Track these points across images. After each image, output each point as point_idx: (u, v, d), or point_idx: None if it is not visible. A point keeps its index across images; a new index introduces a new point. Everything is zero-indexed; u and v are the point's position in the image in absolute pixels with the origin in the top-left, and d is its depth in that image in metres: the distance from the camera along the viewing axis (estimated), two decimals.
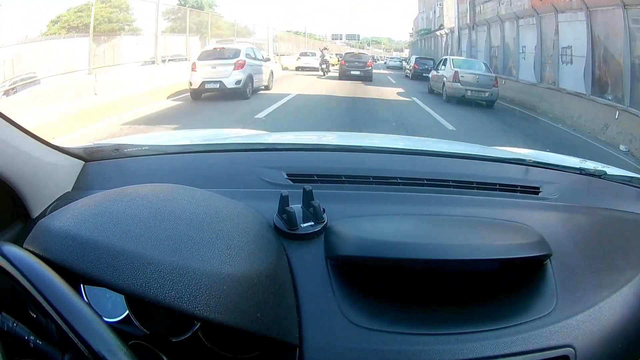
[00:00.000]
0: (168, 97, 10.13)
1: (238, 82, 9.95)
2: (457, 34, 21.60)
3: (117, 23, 12.78)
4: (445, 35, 25.05)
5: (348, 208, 0.88)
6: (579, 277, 0.78)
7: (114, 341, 0.52)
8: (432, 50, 28.85)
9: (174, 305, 0.56)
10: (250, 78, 10.41)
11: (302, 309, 0.69)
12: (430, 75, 14.06)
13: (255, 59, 11.25)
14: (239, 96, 9.93)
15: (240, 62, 10.19)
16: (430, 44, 30.91)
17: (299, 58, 23.11)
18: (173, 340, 0.70)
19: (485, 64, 12.63)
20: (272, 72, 12.62)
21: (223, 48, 11.12)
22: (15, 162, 0.78)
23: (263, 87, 11.71)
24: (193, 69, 9.96)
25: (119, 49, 12.55)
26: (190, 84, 9.86)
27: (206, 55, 10.57)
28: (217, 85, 9.84)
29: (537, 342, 0.69)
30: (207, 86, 9.89)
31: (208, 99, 10.00)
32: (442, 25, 27.71)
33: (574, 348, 0.69)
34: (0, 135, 0.76)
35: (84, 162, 1.01)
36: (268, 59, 12.65)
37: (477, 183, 1.01)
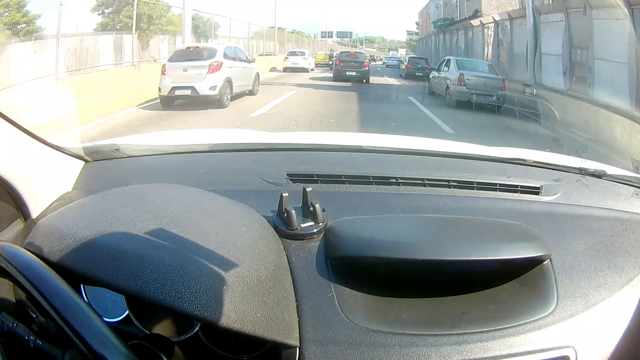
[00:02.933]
0: (138, 105, 8.56)
1: (213, 87, 8.33)
2: (532, 21, 11.73)
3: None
4: (493, 25, 16.09)
5: (348, 208, 0.88)
6: (579, 277, 0.78)
7: (114, 341, 0.52)
8: (460, 48, 20.17)
9: (174, 305, 0.56)
10: (228, 83, 8.74)
11: (302, 309, 0.69)
12: (430, 77, 13.38)
13: (236, 59, 9.64)
14: (215, 104, 8.38)
15: (215, 63, 8.59)
16: (456, 40, 21.45)
17: (286, 58, 21.10)
18: (173, 340, 0.70)
19: (490, 65, 11.70)
20: (257, 75, 10.85)
21: (197, 47, 9.52)
22: (15, 162, 0.78)
23: (247, 92, 10.12)
24: (163, 72, 8.47)
25: (7, 63, 9.15)
26: (160, 89, 8.40)
27: (177, 56, 9.00)
28: (189, 92, 8.26)
29: (537, 342, 0.69)
30: (177, 92, 8.28)
31: (180, 107, 8.45)
32: (477, 10, 18.45)
33: (574, 348, 0.69)
34: (0, 135, 0.76)
35: (84, 162, 1.01)
36: (253, 60, 10.85)
37: (477, 183, 1.00)
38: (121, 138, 1.31)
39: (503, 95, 10.41)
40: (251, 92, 10.38)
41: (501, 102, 10.34)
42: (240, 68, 9.74)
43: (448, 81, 11.07)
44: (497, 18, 15.77)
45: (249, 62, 10.55)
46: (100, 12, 13.19)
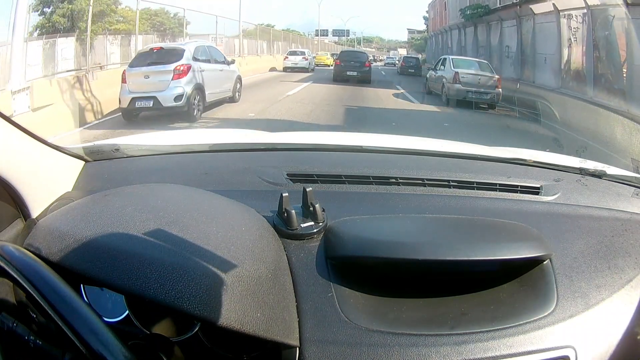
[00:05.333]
0: (100, 118, 7.36)
1: (178, 97, 6.94)
2: None
3: None
4: (582, 12, 9.78)
5: (348, 208, 0.88)
6: (579, 277, 0.78)
7: (114, 341, 0.52)
8: (507, 47, 13.99)
9: (174, 305, 0.56)
10: (198, 90, 7.32)
11: (302, 309, 0.69)
12: (427, 76, 13.32)
13: (210, 61, 8.20)
14: (183, 118, 7.01)
15: (181, 67, 7.14)
16: (498, 34, 14.62)
17: (286, 57, 20.63)
18: (173, 340, 0.70)
19: (486, 63, 11.71)
20: (239, 79, 9.31)
21: (161, 48, 7.89)
22: (15, 162, 0.78)
23: (228, 99, 8.76)
24: (123, 81, 7.03)
25: None
26: (120, 100, 7.00)
27: (139, 60, 7.50)
28: (150, 103, 6.84)
29: (537, 342, 0.69)
30: (138, 104, 6.86)
31: (144, 121, 7.14)
32: None
33: (574, 348, 0.69)
34: (0, 135, 0.76)
35: (84, 162, 1.01)
36: (232, 62, 9.35)
37: (477, 183, 1.01)
38: (121, 138, 1.32)
39: (498, 93, 10.62)
40: (231, 99, 8.95)
41: (496, 100, 10.55)
42: (215, 71, 8.21)
43: (444, 80, 11.20)
44: (594, 1, 9.07)
45: (228, 63, 9.05)
46: (39, 11, 10.07)
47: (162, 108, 6.91)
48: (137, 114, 7.11)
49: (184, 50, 7.55)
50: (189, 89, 7.09)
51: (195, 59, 7.57)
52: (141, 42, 11.95)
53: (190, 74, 7.23)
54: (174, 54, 7.43)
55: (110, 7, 11.98)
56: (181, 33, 15.01)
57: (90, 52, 10.68)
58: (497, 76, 11.11)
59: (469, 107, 10.01)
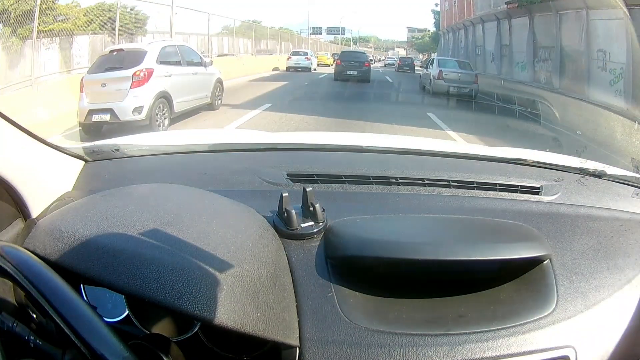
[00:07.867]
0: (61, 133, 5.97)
1: (137, 109, 5.83)
2: None
3: None
4: None
5: (348, 208, 0.88)
6: (579, 277, 0.78)
7: (114, 341, 0.52)
8: (597, 52, 8.67)
9: (174, 305, 0.56)
10: (164, 99, 6.21)
11: (302, 309, 0.69)
12: (420, 74, 15.52)
13: (181, 63, 7.05)
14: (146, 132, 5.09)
15: (141, 73, 6.01)
16: (576, 32, 9.20)
17: (289, 57, 21.00)
18: (173, 340, 0.70)
19: (467, 63, 13.85)
20: (219, 83, 8.06)
21: (121, 50, 6.67)
22: (15, 162, 0.78)
23: (205, 106, 7.63)
24: (81, 90, 5.96)
25: None
26: (78, 114, 5.94)
27: (98, 65, 6.36)
28: (107, 117, 5.76)
29: (537, 342, 0.69)
30: (94, 117, 5.76)
31: (106, 137, 4.49)
32: None
33: (574, 348, 0.69)
34: (0, 135, 0.76)
35: (84, 162, 1.01)
36: (209, 63, 8.03)
37: (477, 183, 1.01)
38: (121, 138, 1.31)
39: (476, 87, 12.38)
40: (210, 107, 7.74)
41: (474, 94, 12.14)
42: (187, 76, 7.05)
43: (431, 77, 13.00)
44: None
45: (205, 65, 7.78)
46: None
47: (119, 121, 5.81)
48: (100, 128, 5.96)
49: (146, 52, 6.36)
50: (150, 99, 5.94)
51: (160, 61, 6.43)
52: (87, 44, 10.27)
53: (152, 80, 6.07)
54: (134, 57, 6.25)
55: (47, 4, 9.69)
56: (140, 31, 12.43)
57: (20, 62, 8.89)
58: (475, 73, 12.81)
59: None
